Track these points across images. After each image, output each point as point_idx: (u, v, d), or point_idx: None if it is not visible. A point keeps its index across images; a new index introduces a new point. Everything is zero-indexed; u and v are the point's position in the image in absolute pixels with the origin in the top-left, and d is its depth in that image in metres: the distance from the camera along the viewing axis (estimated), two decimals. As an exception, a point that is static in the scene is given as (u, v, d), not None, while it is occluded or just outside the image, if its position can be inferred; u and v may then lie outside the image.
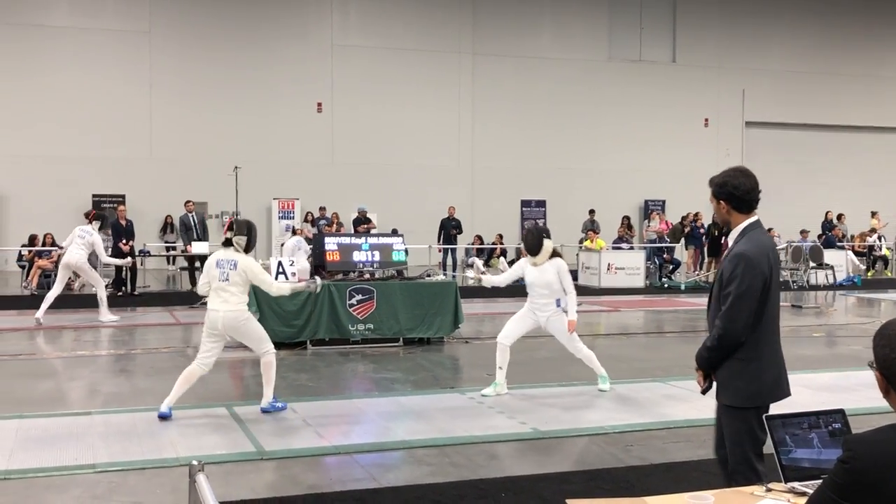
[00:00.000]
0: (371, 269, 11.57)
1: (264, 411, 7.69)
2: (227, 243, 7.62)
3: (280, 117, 25.94)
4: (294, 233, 14.96)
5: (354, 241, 11.88)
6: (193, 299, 16.37)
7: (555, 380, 9.41)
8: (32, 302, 16.67)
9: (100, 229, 13.96)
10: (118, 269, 18.88)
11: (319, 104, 26.52)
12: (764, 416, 3.22)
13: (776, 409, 3.80)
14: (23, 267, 19.50)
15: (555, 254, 8.49)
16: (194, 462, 2.88)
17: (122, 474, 6.05)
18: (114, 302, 15.26)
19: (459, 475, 6.06)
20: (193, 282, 18.97)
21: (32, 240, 19.95)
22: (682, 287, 20.46)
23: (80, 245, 13.59)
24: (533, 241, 8.44)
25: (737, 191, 4.09)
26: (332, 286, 11.24)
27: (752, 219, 4.13)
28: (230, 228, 7.70)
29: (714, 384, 4.18)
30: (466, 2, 27.95)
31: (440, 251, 22.68)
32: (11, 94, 23.71)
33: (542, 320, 8.51)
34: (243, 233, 7.57)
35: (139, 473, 6.09)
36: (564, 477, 6.01)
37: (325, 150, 26.54)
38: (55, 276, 17.68)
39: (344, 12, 26.99)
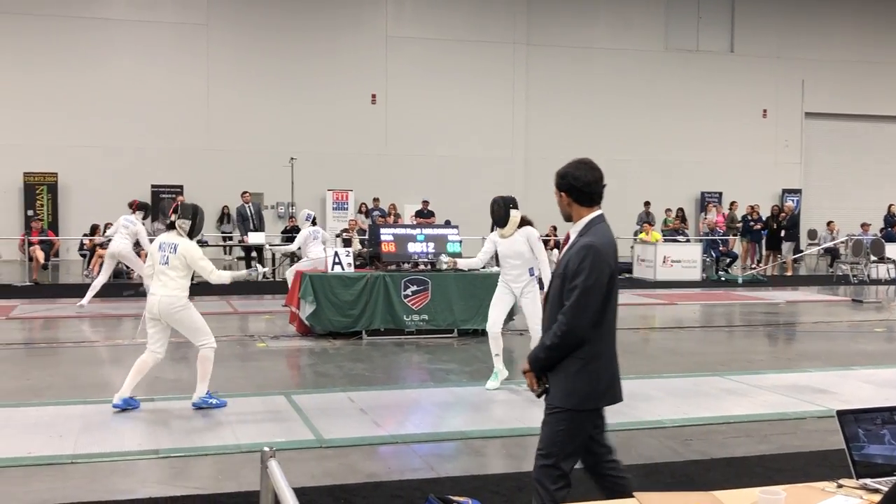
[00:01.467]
0: (426, 260, 11.58)
1: (196, 406, 7.49)
2: (171, 226, 7.51)
3: (335, 108, 26.08)
4: (314, 223, 15.02)
5: (410, 231, 11.90)
6: (251, 289, 16.60)
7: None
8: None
9: (143, 219, 14.19)
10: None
11: (374, 95, 26.62)
12: (836, 412, 3.15)
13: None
14: (84, 255, 19.89)
15: (524, 223, 8.37)
16: (266, 448, 2.90)
17: (184, 460, 6.15)
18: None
19: (517, 466, 6.06)
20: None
21: (94, 229, 20.33)
22: (740, 280, 20.17)
23: (125, 235, 13.86)
24: (499, 211, 8.33)
25: (577, 182, 3.89)
26: (387, 277, 11.29)
27: (597, 213, 3.93)
28: (175, 211, 7.57)
29: (549, 387, 3.94)
30: (521, -8, 27.83)
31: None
32: (73, 85, 24.14)
33: (517, 292, 8.40)
34: (188, 216, 7.42)
35: (201, 460, 6.19)
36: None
37: (379, 141, 26.63)
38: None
39: (399, 3, 27.04)
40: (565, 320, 3.76)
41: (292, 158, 21.53)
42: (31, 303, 15.25)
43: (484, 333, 11.68)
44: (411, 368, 9.93)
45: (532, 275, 8.37)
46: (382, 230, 11.79)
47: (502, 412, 7.58)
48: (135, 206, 14.35)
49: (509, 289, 8.45)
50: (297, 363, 10.15)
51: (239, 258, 21.10)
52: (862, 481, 3.00)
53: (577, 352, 3.81)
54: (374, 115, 26.68)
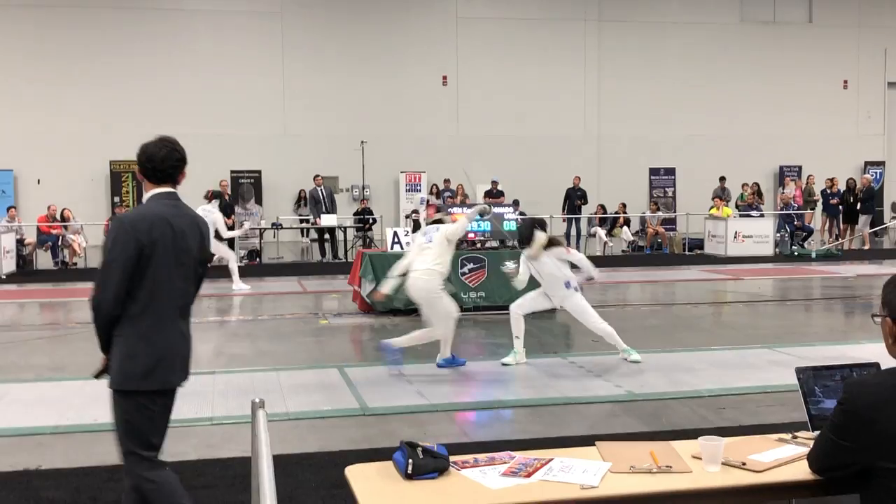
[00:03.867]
0: (482, 238, 11.84)
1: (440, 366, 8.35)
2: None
3: (407, 91, 26.45)
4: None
5: (466, 211, 12.15)
6: (323, 270, 17.09)
7: (660, 346, 9.48)
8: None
9: (220, 207, 14.63)
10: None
11: (444, 77, 26.88)
12: (795, 368, 3.31)
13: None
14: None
15: (552, 243, 8.39)
16: (255, 399, 3.21)
17: (236, 427, 6.56)
18: (248, 271, 16.08)
19: (545, 433, 6.31)
20: (323, 252, 19.80)
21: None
22: (813, 255, 19.87)
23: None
24: (525, 231, 8.48)
25: (143, 156, 3.92)
26: (444, 255, 11.57)
27: (161, 189, 3.93)
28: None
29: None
30: (591, -31, 27.69)
31: (564, 221, 22.73)
32: (155, 75, 25.01)
33: (557, 302, 8.60)
34: None
35: (250, 426, 6.57)
36: (650, 436, 6.13)
37: (451, 122, 26.91)
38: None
39: (469, -16, 27.22)
40: (91, 295, 3.76)
41: (362, 142, 21.94)
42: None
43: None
44: (464, 343, 10.18)
45: (568, 287, 8.42)
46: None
47: (544, 383, 7.82)
48: (210, 196, 14.88)
49: (549, 298, 8.63)
50: (355, 339, 10.54)
51: (313, 240, 21.69)
52: (816, 433, 3.17)
53: (118, 330, 3.78)
54: (446, 96, 26.96)
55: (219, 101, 25.35)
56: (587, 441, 5.90)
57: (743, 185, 24.86)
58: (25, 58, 24.41)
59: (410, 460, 2.91)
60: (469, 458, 3.11)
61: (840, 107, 29.34)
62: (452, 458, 3.06)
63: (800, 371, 3.28)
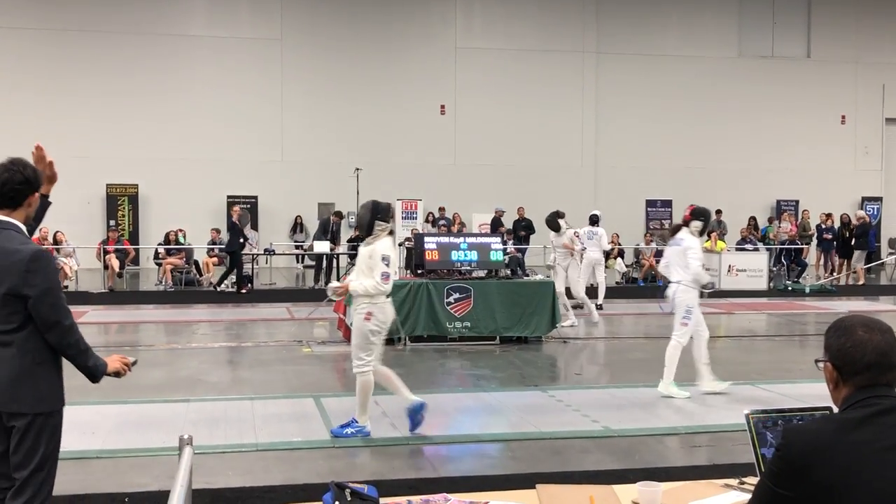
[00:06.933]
0: (469, 268, 11.76)
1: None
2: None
3: (405, 120, 26.47)
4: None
5: (453, 240, 12.11)
6: (315, 297, 17.02)
7: (642, 380, 9.38)
8: (165, 297, 17.78)
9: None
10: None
11: (443, 106, 26.93)
12: (745, 413, 3.23)
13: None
14: (159, 265, 20.56)
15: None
16: (184, 435, 3.14)
17: (202, 457, 6.45)
18: (239, 298, 15.98)
19: (517, 468, 6.21)
20: (317, 279, 19.74)
21: (167, 238, 21.09)
22: (807, 290, 19.77)
23: (594, 244, 15.85)
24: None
25: None
26: (430, 284, 11.51)
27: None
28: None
29: None
30: (590, 1, 27.79)
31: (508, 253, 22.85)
32: (155, 100, 25.04)
33: None
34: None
35: (218, 456, 6.50)
36: (620, 474, 6.03)
37: (448, 151, 26.92)
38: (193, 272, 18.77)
39: (468, 15, 27.31)
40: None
41: (357, 169, 21.96)
42: (103, 309, 15.95)
43: (527, 341, 11.87)
44: (446, 374, 10.12)
45: None
46: (426, 238, 12.03)
47: (519, 417, 7.71)
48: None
49: None
50: (336, 368, 10.43)
51: (307, 266, 21.62)
52: (763, 480, 3.08)
53: None
54: (444, 125, 26.98)
55: (217, 125, 25.37)
56: (555, 479, 5.82)
57: (750, 219, 24.83)
58: (24, 81, 24.44)
59: (337, 503, 2.83)
60: (402, 500, 3.03)
61: (837, 142, 29.33)
62: (384, 501, 2.97)
63: (750, 415, 3.20)
